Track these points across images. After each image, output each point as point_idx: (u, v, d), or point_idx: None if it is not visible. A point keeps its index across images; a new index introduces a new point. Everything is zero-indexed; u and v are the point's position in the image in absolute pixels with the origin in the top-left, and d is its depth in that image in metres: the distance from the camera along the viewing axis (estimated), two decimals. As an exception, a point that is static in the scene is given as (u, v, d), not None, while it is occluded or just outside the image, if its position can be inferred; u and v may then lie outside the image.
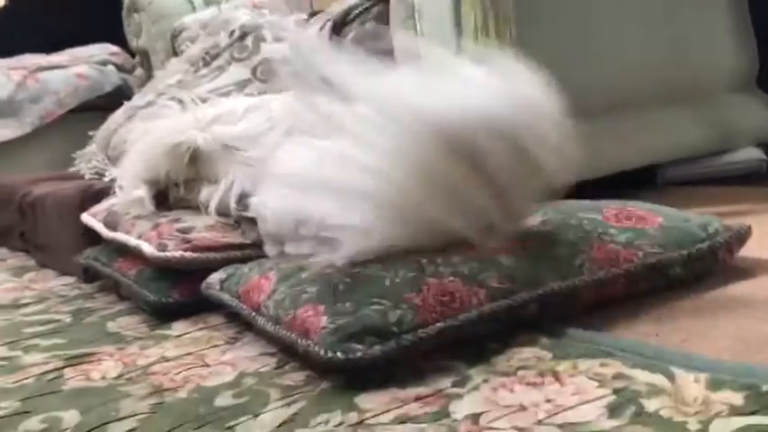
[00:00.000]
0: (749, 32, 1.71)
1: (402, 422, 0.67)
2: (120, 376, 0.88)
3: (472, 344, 0.81)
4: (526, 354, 0.78)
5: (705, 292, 0.92)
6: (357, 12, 1.66)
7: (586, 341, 0.79)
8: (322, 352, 0.76)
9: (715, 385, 0.64)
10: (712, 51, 1.66)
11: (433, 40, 1.43)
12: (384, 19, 1.59)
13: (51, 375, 0.91)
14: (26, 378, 0.91)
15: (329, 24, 1.72)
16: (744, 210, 1.28)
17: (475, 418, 0.65)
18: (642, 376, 0.68)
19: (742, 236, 0.99)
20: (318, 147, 0.94)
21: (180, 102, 1.28)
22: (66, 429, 0.74)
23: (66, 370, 0.92)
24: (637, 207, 1.02)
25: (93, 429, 0.74)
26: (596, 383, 0.68)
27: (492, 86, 0.84)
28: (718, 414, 0.60)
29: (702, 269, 0.96)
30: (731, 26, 1.70)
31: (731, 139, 1.65)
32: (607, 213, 0.99)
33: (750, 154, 1.65)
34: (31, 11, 3.04)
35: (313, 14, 1.92)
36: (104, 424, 0.74)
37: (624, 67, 1.54)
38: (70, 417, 0.77)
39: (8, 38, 2.96)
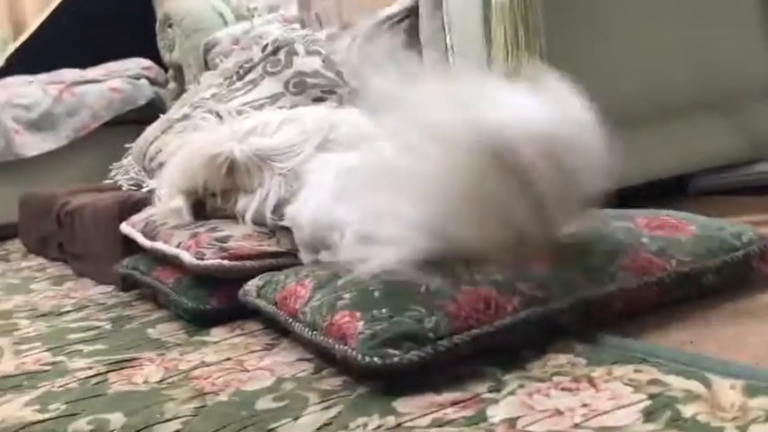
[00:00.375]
0: (781, 41, 1.71)
1: (439, 426, 0.68)
2: (162, 380, 0.90)
3: (507, 350, 0.82)
4: (561, 360, 0.79)
5: (739, 300, 0.92)
6: (387, 25, 1.68)
7: (621, 348, 0.79)
8: (359, 357, 0.78)
9: (751, 392, 0.65)
10: (744, 59, 1.66)
11: (463, 52, 1.45)
12: (414, 32, 1.61)
13: (96, 380, 0.94)
14: (71, 382, 0.94)
15: (359, 38, 1.74)
16: (776, 219, 1.28)
17: (512, 422, 0.66)
18: (677, 382, 0.69)
19: (776, 245, 0.99)
20: (353, 156, 0.95)
21: (217, 114, 1.31)
22: (113, 430, 0.77)
23: (109, 374, 0.95)
24: (669, 216, 1.03)
25: (139, 431, 0.76)
26: (631, 389, 0.69)
27: (533, 102, 0.85)
28: (755, 420, 0.60)
29: (736, 278, 0.96)
30: (763, 34, 1.69)
31: (764, 148, 1.64)
32: (639, 222, 1.00)
33: (783, 163, 1.64)
34: (68, 26, 3.12)
35: (343, 28, 1.95)
36: (150, 426, 0.76)
37: (654, 76, 1.54)
38: (116, 419, 0.79)
39: (47, 53, 3.04)
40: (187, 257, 1.15)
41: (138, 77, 2.99)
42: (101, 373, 0.96)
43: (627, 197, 1.35)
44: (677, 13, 1.56)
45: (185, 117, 1.69)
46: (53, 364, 1.03)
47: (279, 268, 1.10)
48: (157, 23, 2.79)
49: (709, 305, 0.91)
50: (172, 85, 2.85)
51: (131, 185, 1.80)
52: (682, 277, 0.92)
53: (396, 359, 0.77)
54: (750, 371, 0.69)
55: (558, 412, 0.67)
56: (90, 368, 0.99)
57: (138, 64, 3.05)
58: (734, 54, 1.66)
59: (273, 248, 1.16)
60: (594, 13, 1.45)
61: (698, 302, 0.92)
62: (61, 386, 0.93)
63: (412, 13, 1.62)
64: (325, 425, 0.72)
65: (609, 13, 1.47)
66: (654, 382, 0.70)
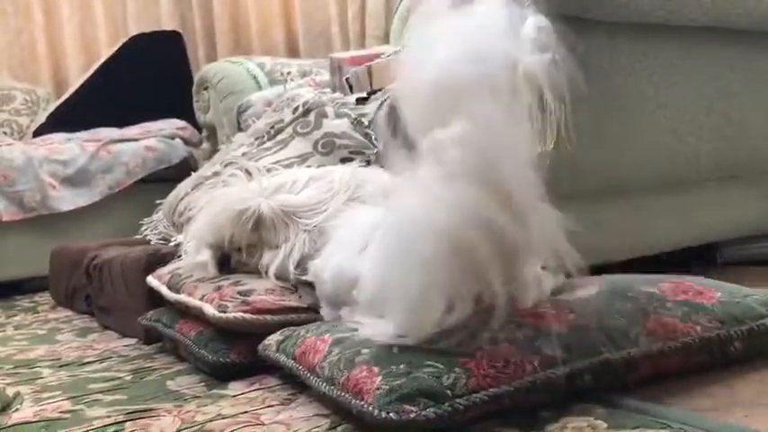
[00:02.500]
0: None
1: (454, 485, 0.67)
2: (178, 431, 0.90)
3: (525, 411, 0.81)
4: (580, 423, 0.77)
5: (767, 368, 0.90)
6: (416, 91, 1.72)
7: (642, 412, 0.78)
8: (376, 412, 0.77)
9: (776, 459, 0.63)
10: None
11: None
12: (442, 97, 1.64)
13: (112, 428, 0.94)
14: (89, 430, 0.94)
15: (387, 102, 1.78)
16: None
17: (528, 483, 0.65)
18: (700, 448, 0.67)
19: (804, 314, 0.97)
20: (377, 212, 0.97)
21: (246, 171, 1.34)
22: (126, 479, 0.77)
23: (126, 424, 0.95)
24: (694, 282, 1.02)
25: (151, 480, 0.76)
26: (653, 454, 0.68)
27: None
28: (779, 488, 0.58)
29: (763, 346, 0.94)
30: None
31: (793, 219, 1.63)
32: (663, 287, 0.99)
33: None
34: (108, 87, 3.23)
35: (372, 93, 2.00)
36: (163, 475, 0.76)
37: (683, 146, 1.55)
38: (130, 467, 0.79)
39: (86, 112, 3.14)
40: (210, 310, 1.16)
41: (172, 137, 3.06)
42: (118, 422, 0.96)
43: (653, 265, 1.34)
44: (704, 83, 1.58)
45: (216, 174, 1.72)
46: (72, 412, 1.04)
47: (300, 323, 1.10)
48: (194, 86, 2.87)
49: (735, 373, 0.89)
50: (205, 145, 2.92)
51: (159, 240, 1.83)
52: (706, 343, 0.90)
53: (412, 415, 0.76)
54: (776, 439, 0.67)
55: (576, 475, 0.65)
56: (108, 417, 0.99)
57: (173, 124, 3.13)
58: (762, 125, 1.66)
59: (295, 303, 1.16)
60: (623, 83, 1.48)
61: (724, 370, 0.90)
62: (78, 434, 0.93)
63: (440, 80, 1.65)
64: (339, 480, 0.71)
65: (638, 84, 1.49)
66: (676, 447, 0.68)
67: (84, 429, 0.94)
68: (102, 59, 3.38)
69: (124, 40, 3.42)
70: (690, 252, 1.57)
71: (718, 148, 1.59)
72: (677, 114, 1.54)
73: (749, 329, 0.93)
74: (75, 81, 3.44)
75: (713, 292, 0.99)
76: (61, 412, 1.04)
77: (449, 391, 0.78)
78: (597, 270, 1.02)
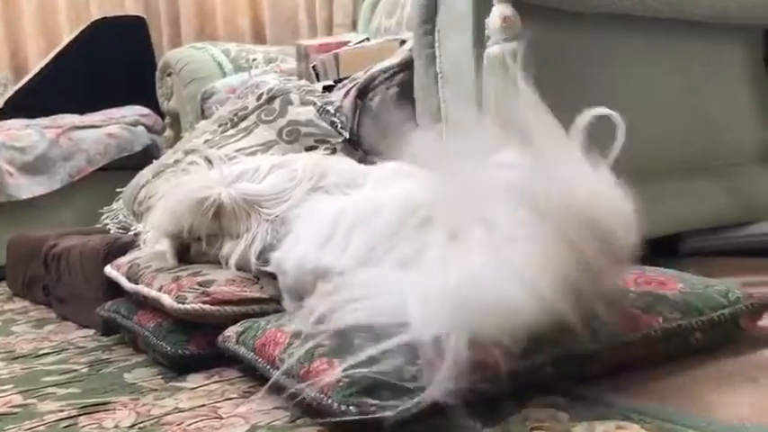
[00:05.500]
0: (772, 106, 1.73)
1: (414, 479, 0.66)
2: (133, 425, 0.88)
3: (488, 403, 0.80)
4: (541, 414, 0.77)
5: (726, 359, 0.90)
6: (381, 79, 1.70)
7: (603, 403, 0.78)
8: (335, 405, 0.76)
9: (735, 451, 0.63)
10: (735, 122, 1.68)
11: (455, 105, 1.46)
12: (407, 86, 1.62)
13: (65, 423, 0.91)
14: (40, 425, 0.91)
15: (354, 90, 1.76)
16: (766, 281, 1.27)
17: (488, 476, 0.64)
18: (660, 440, 0.67)
19: (764, 304, 0.98)
20: (341, 203, 0.95)
21: (207, 159, 1.31)
22: (77, 476, 0.74)
23: (80, 418, 0.93)
24: (656, 272, 1.02)
25: (103, 477, 0.73)
26: (613, 446, 0.67)
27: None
28: (738, 480, 0.58)
29: (724, 336, 0.95)
30: (753, 101, 1.72)
31: (755, 210, 1.65)
32: (625, 278, 0.98)
33: (773, 226, 1.64)
34: (68, 72, 3.15)
35: (339, 81, 1.97)
36: (115, 471, 0.74)
37: (648, 137, 1.55)
38: (81, 464, 0.77)
39: (46, 97, 3.07)
40: (168, 301, 1.13)
41: (135, 124, 3.01)
42: (71, 417, 0.93)
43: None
44: (671, 75, 1.59)
45: (177, 162, 1.69)
46: (23, 406, 1.01)
47: (261, 315, 1.08)
48: (157, 72, 2.82)
49: (695, 363, 0.89)
50: (168, 132, 2.87)
51: (119, 229, 1.79)
52: (668, 334, 0.90)
53: (372, 408, 0.74)
54: (733, 430, 0.67)
55: (537, 468, 0.64)
56: (61, 411, 0.96)
57: (135, 111, 3.07)
58: (726, 118, 1.68)
59: (256, 294, 1.14)
60: (588, 72, 1.47)
61: (684, 360, 0.90)
62: (29, 429, 0.90)
63: (406, 68, 1.64)
64: (296, 475, 0.69)
65: (603, 75, 1.49)
66: (636, 439, 0.68)
67: (36, 424, 0.92)
68: (63, 44, 3.30)
69: (86, 24, 3.34)
70: (652, 243, 1.58)
71: (684, 141, 1.60)
72: (644, 106, 1.54)
73: (710, 320, 0.93)
74: (35, 66, 3.35)
75: (675, 282, 0.99)
76: (11, 407, 1.01)
77: (410, 384, 0.76)
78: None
